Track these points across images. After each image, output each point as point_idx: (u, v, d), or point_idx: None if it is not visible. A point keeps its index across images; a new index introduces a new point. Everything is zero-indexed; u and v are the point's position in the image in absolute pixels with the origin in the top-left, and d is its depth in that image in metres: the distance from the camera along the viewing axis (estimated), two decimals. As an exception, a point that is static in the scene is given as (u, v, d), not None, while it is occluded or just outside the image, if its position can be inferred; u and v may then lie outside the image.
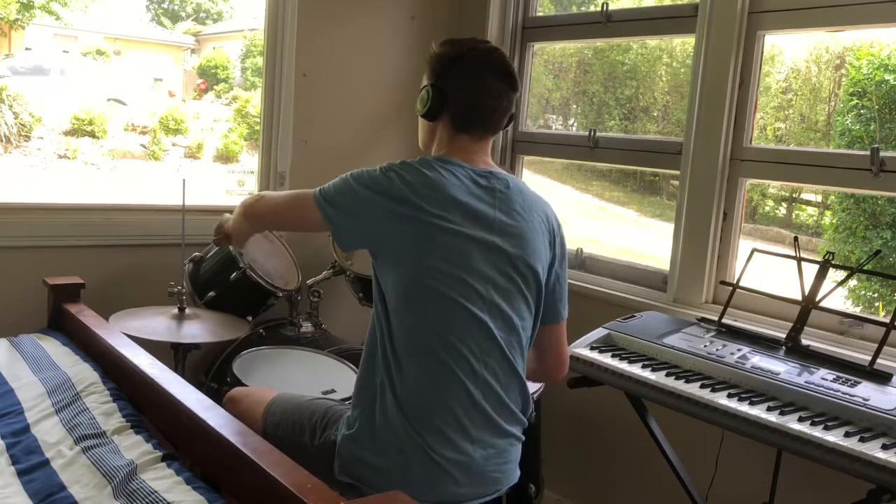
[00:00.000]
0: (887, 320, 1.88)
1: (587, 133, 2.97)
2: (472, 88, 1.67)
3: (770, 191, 3.72)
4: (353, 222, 1.62)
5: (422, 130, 1.78)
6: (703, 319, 2.23)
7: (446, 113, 1.68)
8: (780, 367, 1.88)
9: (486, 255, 1.62)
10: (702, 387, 1.84)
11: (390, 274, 1.60)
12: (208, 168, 12.50)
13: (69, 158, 11.50)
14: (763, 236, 3.63)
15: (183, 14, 17.81)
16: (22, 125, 11.28)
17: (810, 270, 2.03)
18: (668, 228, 2.69)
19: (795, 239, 2.09)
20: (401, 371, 1.58)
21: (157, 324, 2.34)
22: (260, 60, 4.21)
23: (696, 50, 2.52)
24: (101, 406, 1.79)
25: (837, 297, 2.20)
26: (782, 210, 3.93)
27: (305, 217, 1.69)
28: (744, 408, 1.74)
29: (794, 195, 3.76)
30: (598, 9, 2.94)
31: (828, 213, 3.49)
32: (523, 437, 1.73)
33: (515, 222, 1.66)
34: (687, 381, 1.87)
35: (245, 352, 2.44)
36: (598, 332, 2.17)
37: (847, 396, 1.71)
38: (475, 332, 1.60)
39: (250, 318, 2.57)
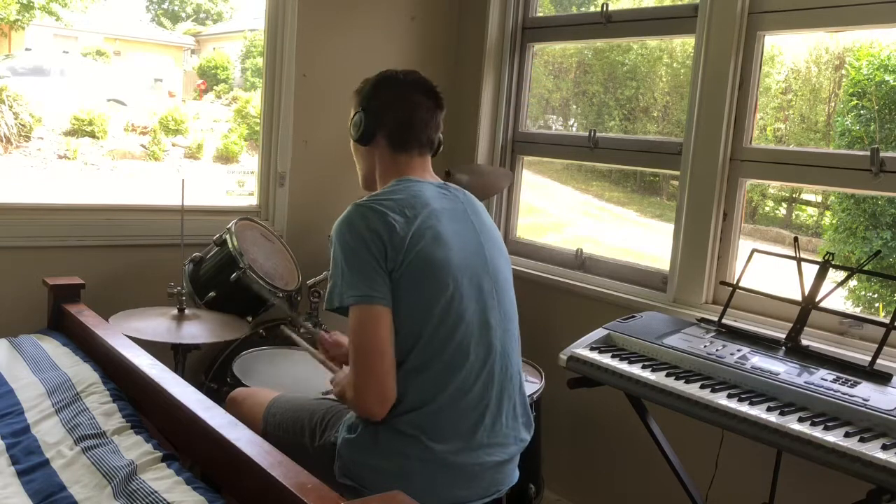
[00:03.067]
0: (887, 321, 1.88)
1: (587, 133, 2.97)
2: (401, 104, 1.72)
3: (770, 191, 3.72)
4: (378, 278, 1.55)
5: (360, 162, 1.80)
6: (702, 320, 2.23)
7: (381, 133, 1.72)
8: (780, 368, 1.88)
9: (476, 254, 1.65)
10: (702, 387, 1.84)
11: (395, 287, 1.58)
12: (208, 168, 12.49)
13: (69, 158, 11.50)
14: (763, 237, 3.62)
15: (183, 15, 17.80)
16: (22, 125, 11.27)
17: (810, 271, 2.03)
18: (668, 228, 2.69)
19: (795, 239, 2.09)
20: (409, 377, 1.58)
21: (157, 324, 2.34)
22: (260, 61, 4.21)
23: (696, 50, 2.52)
24: (101, 406, 1.79)
25: (837, 297, 2.20)
26: (782, 210, 3.92)
27: (371, 329, 1.54)
28: (744, 408, 1.74)
29: (794, 195, 3.75)
30: (598, 9, 2.94)
31: (828, 213, 3.49)
32: (528, 439, 1.74)
33: (483, 221, 1.74)
34: (687, 382, 1.87)
35: (245, 352, 2.44)
36: (598, 333, 2.17)
37: (847, 397, 1.71)
38: (482, 336, 1.61)
39: (250, 319, 2.57)
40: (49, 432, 1.69)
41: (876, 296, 3.16)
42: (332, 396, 1.84)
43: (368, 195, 1.65)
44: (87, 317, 2.24)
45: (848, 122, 2.86)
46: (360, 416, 1.61)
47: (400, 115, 1.72)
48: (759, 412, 1.71)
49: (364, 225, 1.56)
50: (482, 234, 1.71)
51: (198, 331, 2.36)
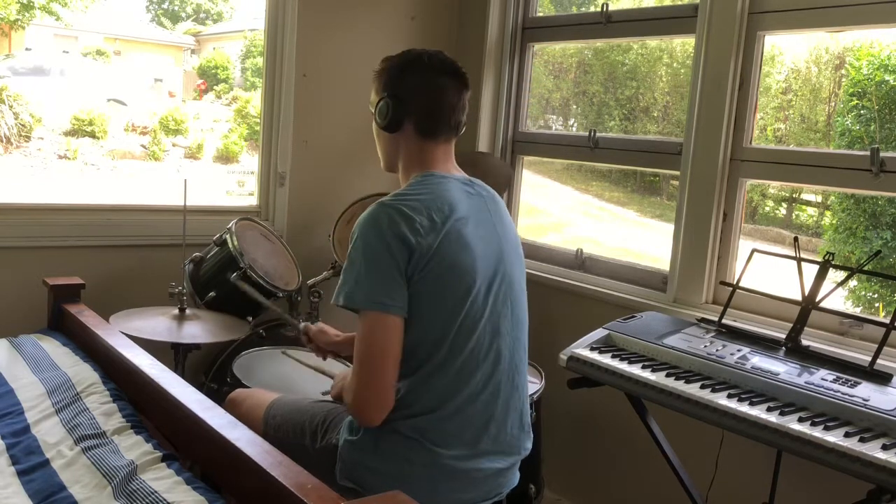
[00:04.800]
0: (887, 321, 1.88)
1: (587, 133, 2.97)
2: (428, 90, 1.66)
3: (770, 191, 3.72)
4: (397, 287, 1.52)
5: (383, 147, 1.74)
6: (703, 320, 2.23)
7: (408, 121, 1.66)
8: (780, 368, 1.88)
9: (497, 261, 1.63)
10: (702, 387, 1.84)
11: (413, 291, 1.56)
12: (208, 168, 12.48)
13: (69, 158, 11.49)
14: (763, 237, 3.63)
15: (183, 14, 17.78)
16: (22, 125, 11.26)
17: (810, 271, 2.03)
18: (668, 228, 2.69)
19: (795, 239, 2.09)
20: (421, 382, 1.57)
21: (158, 324, 2.34)
22: (260, 61, 4.21)
23: (696, 50, 2.52)
24: (101, 406, 1.79)
25: (837, 297, 2.20)
26: (782, 210, 3.92)
27: (382, 338, 1.52)
28: (744, 408, 1.74)
29: (794, 195, 3.75)
30: (598, 9, 2.94)
31: (828, 213, 3.49)
32: (530, 447, 1.74)
33: (505, 224, 1.71)
34: (687, 382, 1.87)
35: (245, 352, 2.44)
36: (598, 333, 2.17)
37: (847, 397, 1.71)
38: (493, 345, 1.61)
39: (250, 319, 2.57)
40: (49, 432, 1.69)
41: (876, 296, 3.16)
42: (330, 397, 1.84)
43: (393, 194, 1.59)
44: (88, 317, 2.24)
45: (848, 122, 2.86)
46: (358, 422, 1.60)
47: (428, 101, 1.65)
48: (759, 412, 1.71)
49: (390, 229, 1.51)
50: (503, 238, 1.68)
51: (198, 331, 2.36)
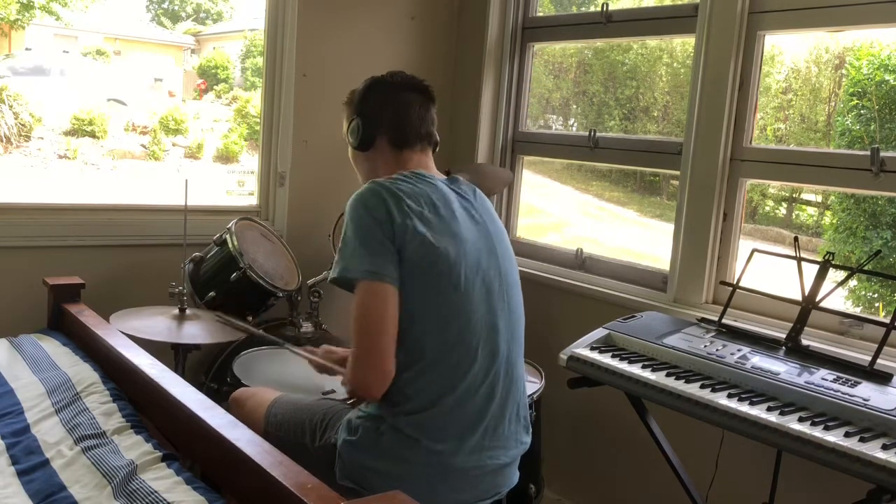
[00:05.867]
0: (887, 320, 1.88)
1: (587, 133, 2.97)
2: (394, 105, 1.72)
3: (770, 191, 3.72)
4: (390, 258, 1.54)
5: (362, 168, 1.79)
6: (703, 320, 2.23)
7: (381, 136, 1.72)
8: (781, 368, 1.88)
9: (489, 256, 1.65)
10: (702, 387, 1.84)
11: (405, 280, 1.57)
12: (208, 168, 12.49)
13: (69, 158, 11.50)
14: (763, 236, 3.62)
15: (183, 14, 17.78)
16: (22, 125, 11.27)
17: (810, 270, 2.03)
18: (668, 228, 2.69)
19: (795, 239, 2.09)
20: (417, 377, 1.57)
21: (158, 324, 2.34)
22: (260, 60, 4.21)
23: (697, 50, 2.52)
24: (101, 406, 1.79)
25: (837, 297, 2.20)
26: (782, 210, 3.92)
27: (377, 306, 1.53)
28: (744, 408, 1.74)
29: (794, 195, 3.75)
30: (598, 9, 2.94)
31: (828, 213, 3.49)
32: (529, 442, 1.74)
33: (495, 222, 1.73)
34: (687, 382, 1.87)
35: (245, 352, 2.44)
36: (598, 332, 2.17)
37: (847, 397, 1.71)
38: (489, 339, 1.61)
39: (251, 319, 2.57)
40: (49, 432, 1.69)
41: (876, 296, 3.16)
42: (332, 396, 1.84)
43: (387, 177, 1.64)
44: (88, 317, 2.24)
45: (848, 122, 2.86)
46: (359, 395, 1.61)
47: (396, 114, 1.72)
48: (759, 412, 1.71)
49: (379, 203, 1.56)
50: (494, 234, 1.70)
51: (198, 331, 2.36)
